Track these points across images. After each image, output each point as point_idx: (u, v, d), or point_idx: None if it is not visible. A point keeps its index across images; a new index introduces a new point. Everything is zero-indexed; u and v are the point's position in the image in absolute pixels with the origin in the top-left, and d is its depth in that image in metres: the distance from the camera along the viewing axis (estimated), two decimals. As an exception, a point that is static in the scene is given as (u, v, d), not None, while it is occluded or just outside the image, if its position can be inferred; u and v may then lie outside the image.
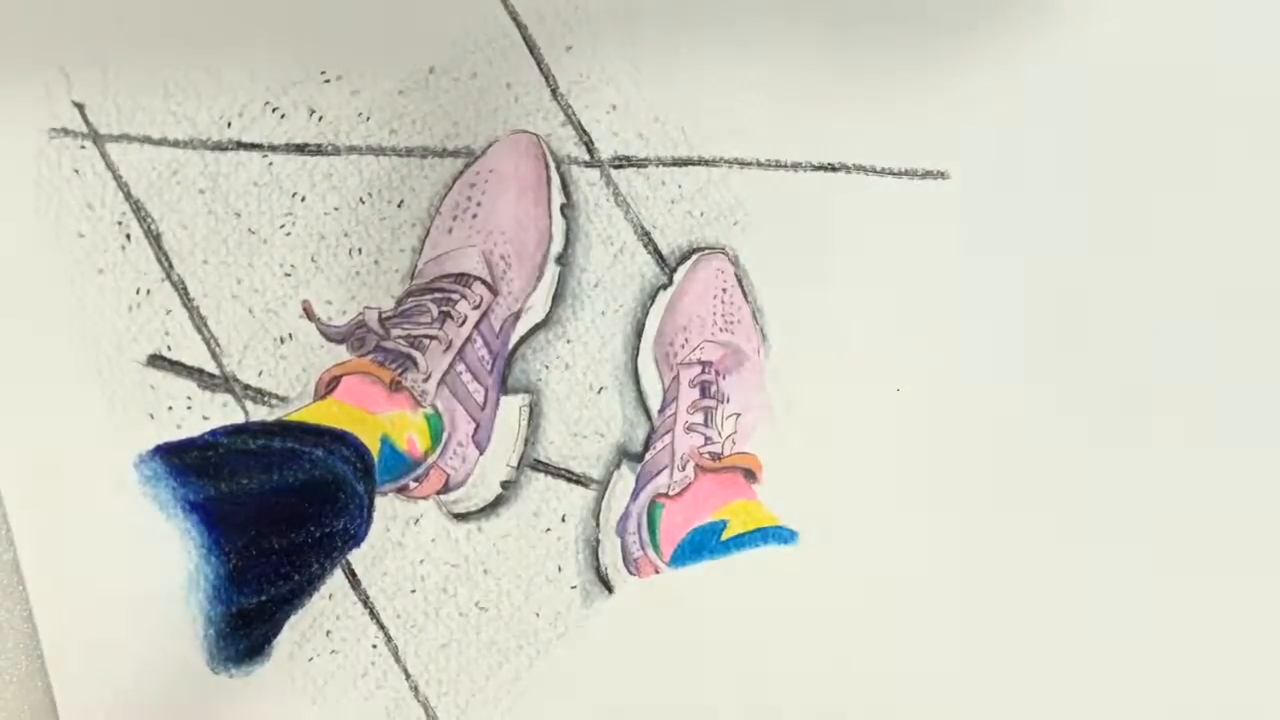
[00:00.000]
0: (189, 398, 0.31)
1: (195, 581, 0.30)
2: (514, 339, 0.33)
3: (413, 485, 0.32)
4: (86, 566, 0.30)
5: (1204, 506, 0.32)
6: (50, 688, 0.30)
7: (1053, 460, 0.32)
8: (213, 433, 0.31)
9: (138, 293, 0.32)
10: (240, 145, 0.32)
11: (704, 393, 0.33)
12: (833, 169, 0.34)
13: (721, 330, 0.33)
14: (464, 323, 0.32)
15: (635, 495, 0.32)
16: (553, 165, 0.33)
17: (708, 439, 0.33)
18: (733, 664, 0.32)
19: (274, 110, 0.32)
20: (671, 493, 0.32)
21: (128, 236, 0.32)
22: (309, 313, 0.32)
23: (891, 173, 0.34)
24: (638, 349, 0.33)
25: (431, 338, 0.32)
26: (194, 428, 0.31)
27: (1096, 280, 0.33)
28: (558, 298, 0.33)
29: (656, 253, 0.33)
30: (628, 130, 0.33)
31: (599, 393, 0.33)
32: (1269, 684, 0.32)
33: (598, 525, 0.32)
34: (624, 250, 0.33)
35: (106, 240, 0.32)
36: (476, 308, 0.32)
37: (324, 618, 0.31)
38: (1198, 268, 0.33)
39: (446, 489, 0.32)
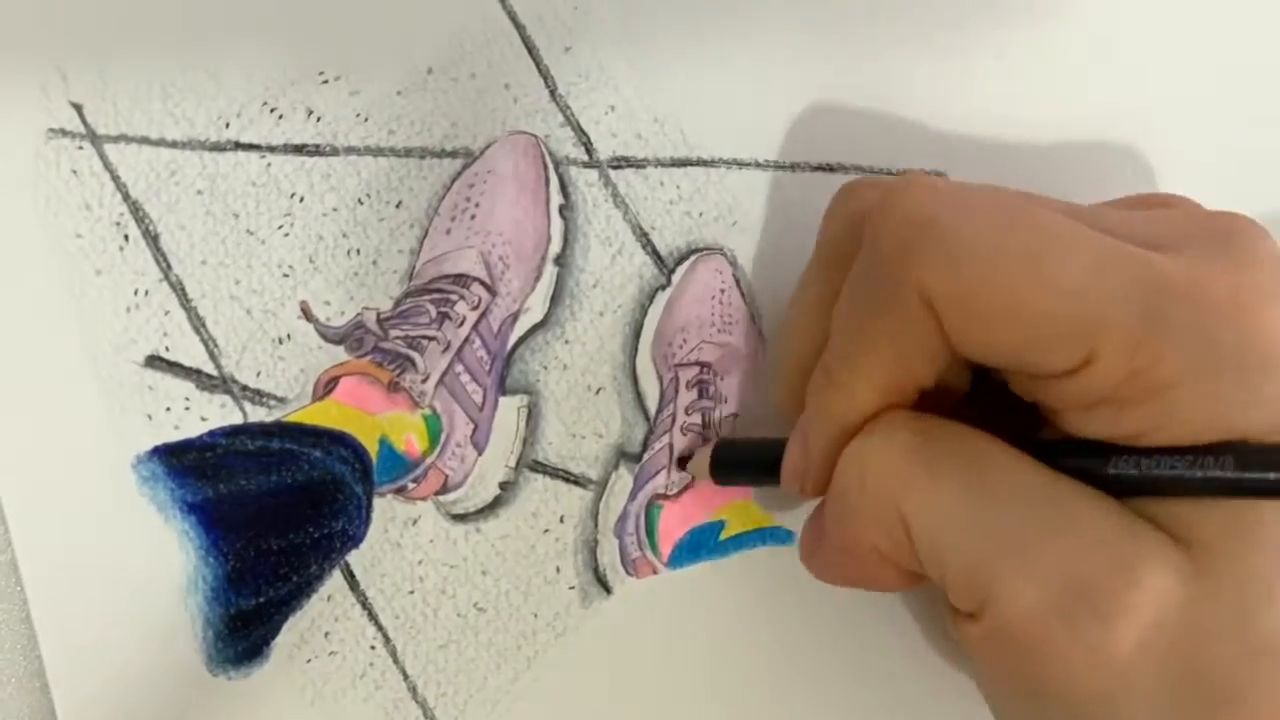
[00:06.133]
0: (187, 399, 0.31)
1: (193, 583, 0.30)
2: (512, 340, 0.33)
3: (411, 486, 0.32)
4: (84, 567, 0.30)
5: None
6: (48, 688, 0.30)
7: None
8: (211, 434, 0.31)
9: (136, 294, 0.31)
10: (238, 146, 0.32)
11: (702, 393, 0.33)
12: (832, 169, 0.34)
13: (720, 331, 0.33)
14: (462, 323, 0.32)
15: (633, 496, 0.32)
16: (551, 166, 0.33)
17: (706, 440, 0.33)
18: (732, 664, 0.32)
19: (272, 111, 0.32)
20: (669, 493, 0.32)
21: (125, 237, 0.32)
22: (307, 313, 0.32)
23: (891, 173, 0.34)
24: (636, 350, 0.33)
25: (430, 338, 0.32)
26: (192, 429, 0.31)
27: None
28: (556, 298, 0.33)
29: (655, 253, 0.33)
30: (626, 131, 0.33)
31: (597, 393, 0.33)
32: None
33: (596, 526, 0.32)
34: (622, 251, 0.33)
35: (104, 241, 0.32)
36: (475, 308, 0.32)
37: (322, 619, 0.31)
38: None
39: (445, 490, 0.32)
